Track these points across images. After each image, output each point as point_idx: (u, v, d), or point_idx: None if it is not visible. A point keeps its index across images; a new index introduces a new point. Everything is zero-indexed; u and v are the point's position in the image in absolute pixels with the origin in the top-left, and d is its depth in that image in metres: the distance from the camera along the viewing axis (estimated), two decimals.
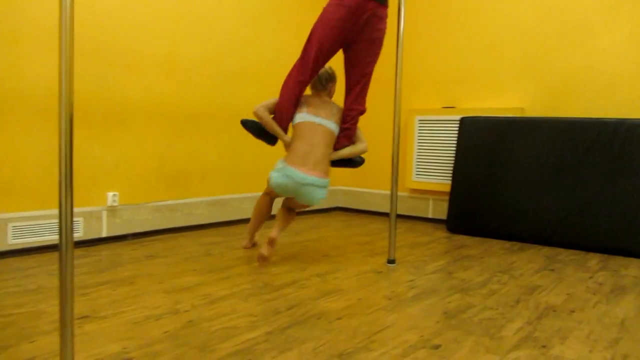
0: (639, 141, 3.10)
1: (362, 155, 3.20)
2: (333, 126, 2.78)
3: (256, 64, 3.89)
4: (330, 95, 2.92)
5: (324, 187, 2.69)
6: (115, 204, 3.09)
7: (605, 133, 3.21)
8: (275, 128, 2.79)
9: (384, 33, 2.80)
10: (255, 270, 2.49)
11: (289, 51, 4.15)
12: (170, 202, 3.38)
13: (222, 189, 3.72)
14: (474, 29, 3.99)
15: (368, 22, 2.71)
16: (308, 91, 3.03)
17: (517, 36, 3.79)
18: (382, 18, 2.75)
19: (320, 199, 2.71)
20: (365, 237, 3.46)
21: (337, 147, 2.83)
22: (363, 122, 4.60)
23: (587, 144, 3.25)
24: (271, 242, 2.61)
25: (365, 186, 4.61)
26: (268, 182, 2.73)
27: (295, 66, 2.80)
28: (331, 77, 2.90)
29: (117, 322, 1.76)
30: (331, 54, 2.79)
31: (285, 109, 2.79)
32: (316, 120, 2.77)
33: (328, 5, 2.73)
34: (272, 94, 4.04)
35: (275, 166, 2.71)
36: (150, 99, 3.23)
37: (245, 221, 3.88)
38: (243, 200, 3.85)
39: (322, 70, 2.88)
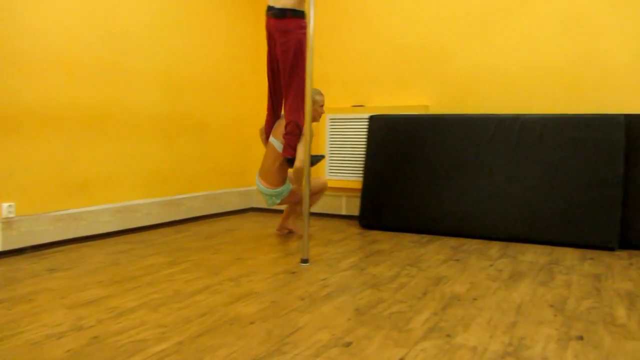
0: (533, 135, 3.33)
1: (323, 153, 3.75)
2: (278, 144, 3.22)
3: (161, 65, 3.77)
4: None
5: (272, 195, 3.27)
6: (12, 215, 2.88)
7: (503, 128, 3.41)
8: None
9: (290, 45, 2.99)
10: (166, 278, 2.42)
11: (194, 51, 4.06)
12: (72, 210, 3.20)
13: (129, 195, 3.58)
14: (381, 30, 4.10)
15: (274, 37, 3.05)
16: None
17: (421, 37, 3.94)
18: (285, 31, 2.99)
19: (271, 203, 3.33)
20: (279, 237, 3.47)
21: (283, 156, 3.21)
22: None
23: (486, 139, 3.45)
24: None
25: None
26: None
27: None
28: None
29: (13, 344, 1.64)
30: (275, 76, 3.20)
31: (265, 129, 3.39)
32: (270, 139, 3.29)
33: None
34: (177, 95, 3.93)
35: None
36: (47, 103, 3.04)
37: (154, 227, 3.76)
38: (152, 205, 3.73)
39: None
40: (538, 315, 1.93)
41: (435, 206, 3.54)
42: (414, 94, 3.99)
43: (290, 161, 3.18)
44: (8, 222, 2.88)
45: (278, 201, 3.31)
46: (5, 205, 2.86)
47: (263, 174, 3.27)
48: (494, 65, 3.69)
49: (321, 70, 4.34)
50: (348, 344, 1.64)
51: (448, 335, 1.72)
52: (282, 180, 3.27)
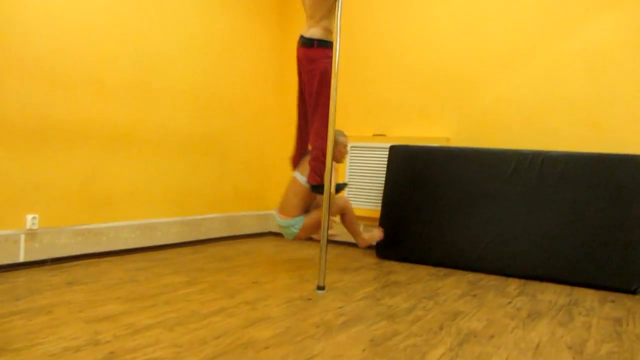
0: (554, 172, 3.31)
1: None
2: (303, 179, 3.22)
3: (188, 86, 3.85)
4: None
5: (289, 225, 3.26)
6: (35, 227, 2.94)
7: (524, 164, 3.40)
8: None
9: (316, 73, 3.05)
10: (183, 298, 2.43)
11: (222, 74, 4.14)
12: (94, 225, 3.25)
13: (150, 213, 3.62)
14: (403, 60, 4.15)
15: (303, 64, 3.12)
16: None
17: (444, 68, 3.98)
18: (312, 60, 3.06)
19: (290, 234, 3.30)
20: (296, 262, 3.47)
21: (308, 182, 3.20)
22: None
23: (506, 174, 3.43)
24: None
25: None
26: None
27: None
28: None
29: (31, 355, 1.66)
30: (304, 104, 3.25)
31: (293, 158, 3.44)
32: (295, 174, 3.30)
33: None
34: (203, 116, 4.00)
35: None
36: (76, 118, 3.12)
37: (173, 246, 3.79)
38: (172, 224, 3.77)
39: None
40: (556, 357, 1.89)
41: (453, 239, 3.52)
42: (435, 126, 4.01)
43: (315, 188, 3.15)
44: (31, 234, 2.93)
45: (297, 230, 3.27)
46: (29, 216, 2.92)
47: (282, 208, 3.29)
48: (517, 100, 3.70)
49: (343, 99, 4.38)
50: None
51: None
52: (300, 212, 3.27)
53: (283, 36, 4.77)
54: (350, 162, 4.23)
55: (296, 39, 4.68)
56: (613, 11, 3.43)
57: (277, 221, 3.30)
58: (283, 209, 3.28)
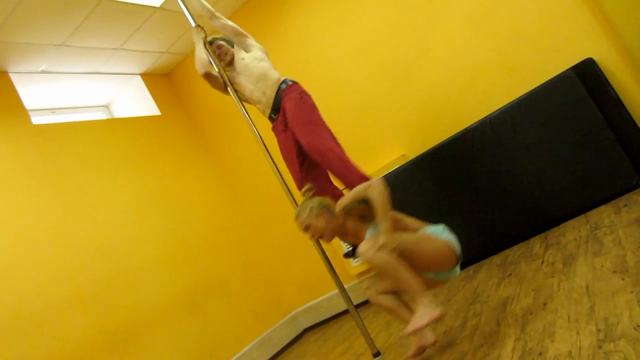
0: (507, 126, 3.37)
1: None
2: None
3: (164, 260, 3.86)
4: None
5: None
6: None
7: (474, 137, 3.47)
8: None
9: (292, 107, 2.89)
10: None
11: (181, 227, 4.18)
12: None
13: None
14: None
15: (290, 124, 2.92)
16: None
17: (362, 94, 4.09)
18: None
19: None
20: (343, 344, 3.40)
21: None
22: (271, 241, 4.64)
23: (470, 154, 3.49)
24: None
25: (317, 296, 4.56)
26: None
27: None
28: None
29: None
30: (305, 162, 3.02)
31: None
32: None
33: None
34: (187, 272, 3.98)
35: (437, 231, 2.36)
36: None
37: None
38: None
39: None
40: (608, 288, 1.89)
41: (461, 235, 3.51)
42: (388, 150, 4.07)
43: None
44: None
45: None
46: None
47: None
48: (438, 87, 3.80)
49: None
50: None
51: (540, 354, 1.68)
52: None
53: (215, 168, 4.87)
54: None
55: (229, 168, 4.79)
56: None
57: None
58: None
